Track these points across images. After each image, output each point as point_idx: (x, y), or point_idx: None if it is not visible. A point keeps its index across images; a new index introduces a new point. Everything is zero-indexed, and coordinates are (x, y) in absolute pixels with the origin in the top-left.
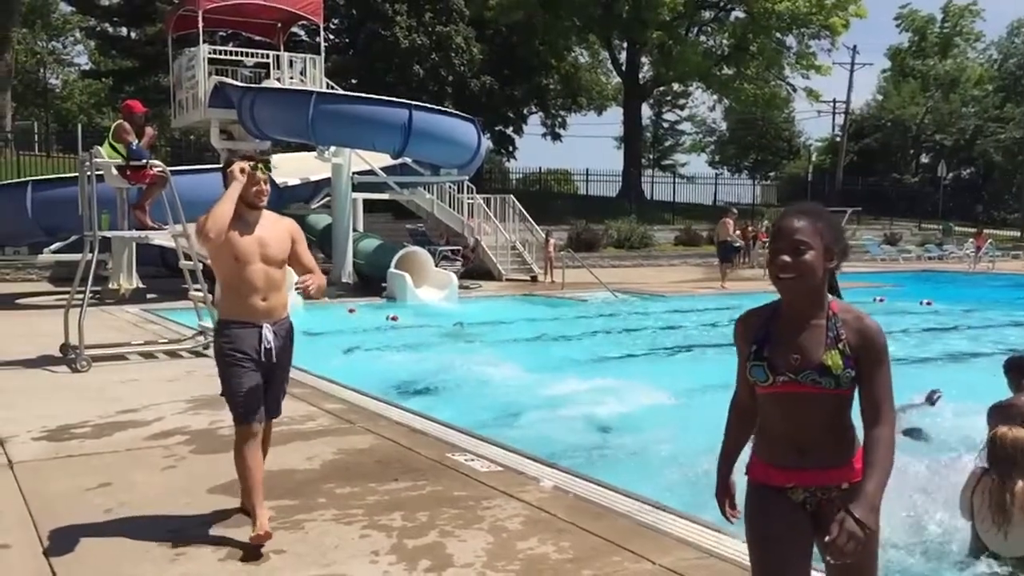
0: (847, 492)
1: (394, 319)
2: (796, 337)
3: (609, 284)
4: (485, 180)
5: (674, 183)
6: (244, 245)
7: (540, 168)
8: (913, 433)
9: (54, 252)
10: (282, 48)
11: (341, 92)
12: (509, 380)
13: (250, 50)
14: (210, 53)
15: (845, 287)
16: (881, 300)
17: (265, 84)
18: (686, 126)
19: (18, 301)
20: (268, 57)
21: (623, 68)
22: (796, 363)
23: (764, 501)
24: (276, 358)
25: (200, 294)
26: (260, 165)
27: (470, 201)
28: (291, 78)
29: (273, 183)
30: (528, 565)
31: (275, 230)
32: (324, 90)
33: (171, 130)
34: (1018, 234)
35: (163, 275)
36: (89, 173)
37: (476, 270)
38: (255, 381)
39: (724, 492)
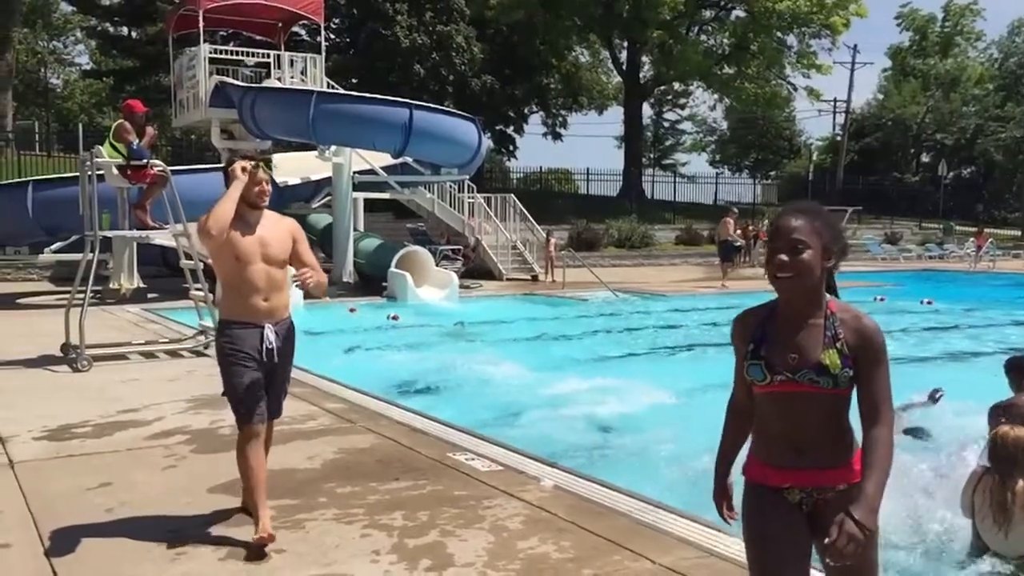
0: (843, 493)
1: (395, 318)
2: (794, 336)
3: (610, 283)
4: (486, 179)
5: (675, 182)
6: (245, 245)
7: (541, 167)
8: (915, 432)
9: (55, 252)
10: (283, 48)
11: (342, 92)
12: (510, 380)
13: (251, 50)
14: (211, 53)
15: (846, 286)
16: (882, 299)
17: (266, 84)
18: (687, 125)
19: (19, 301)
20: (269, 57)
21: (624, 67)
22: (794, 362)
23: (761, 501)
24: (277, 358)
25: (201, 293)
26: (262, 164)
27: (471, 200)
28: (292, 78)
29: (274, 183)
30: (529, 564)
31: (276, 230)
32: (325, 90)
33: (172, 130)
34: (1019, 233)
35: (164, 275)
36: (90, 173)
37: (477, 269)
38: (257, 381)
39: (722, 493)
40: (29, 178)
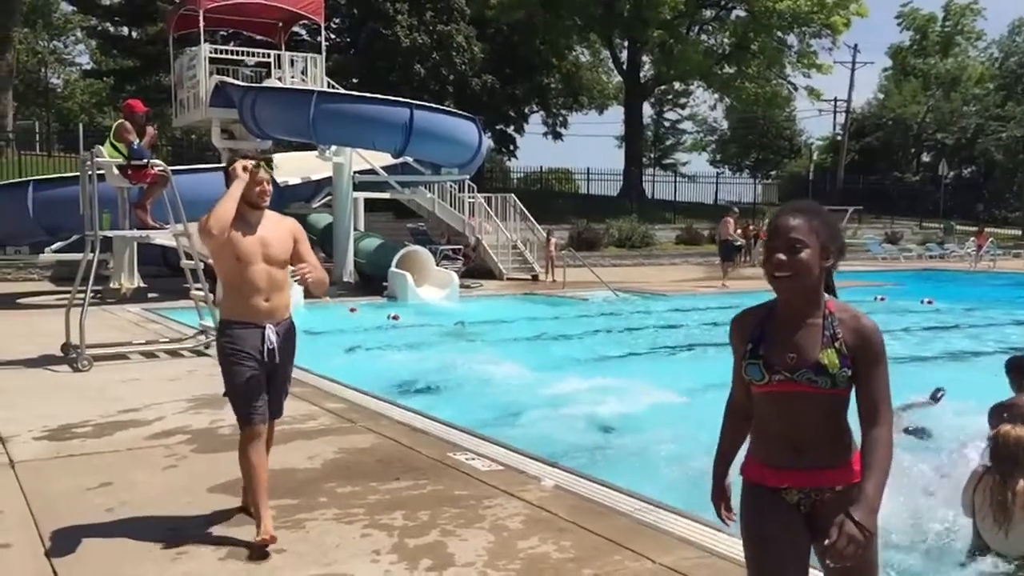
0: (842, 494)
1: (395, 318)
2: (792, 336)
3: (610, 283)
4: (486, 179)
5: (675, 182)
6: (246, 245)
7: (541, 167)
8: (916, 432)
9: (55, 252)
10: (283, 47)
11: (342, 91)
12: (510, 379)
13: (251, 49)
14: (211, 52)
15: (847, 285)
16: (882, 299)
17: (266, 83)
18: (687, 125)
19: (19, 301)
20: (269, 56)
21: (624, 67)
22: (792, 362)
23: (759, 501)
24: (278, 358)
25: (201, 293)
26: (263, 164)
27: (471, 200)
28: (292, 77)
29: (274, 182)
30: (529, 564)
31: (277, 230)
32: (325, 89)
33: (172, 129)
34: (1019, 233)
35: (164, 274)
36: (90, 172)
37: (477, 269)
38: (258, 381)
39: (720, 495)
40: (29, 178)
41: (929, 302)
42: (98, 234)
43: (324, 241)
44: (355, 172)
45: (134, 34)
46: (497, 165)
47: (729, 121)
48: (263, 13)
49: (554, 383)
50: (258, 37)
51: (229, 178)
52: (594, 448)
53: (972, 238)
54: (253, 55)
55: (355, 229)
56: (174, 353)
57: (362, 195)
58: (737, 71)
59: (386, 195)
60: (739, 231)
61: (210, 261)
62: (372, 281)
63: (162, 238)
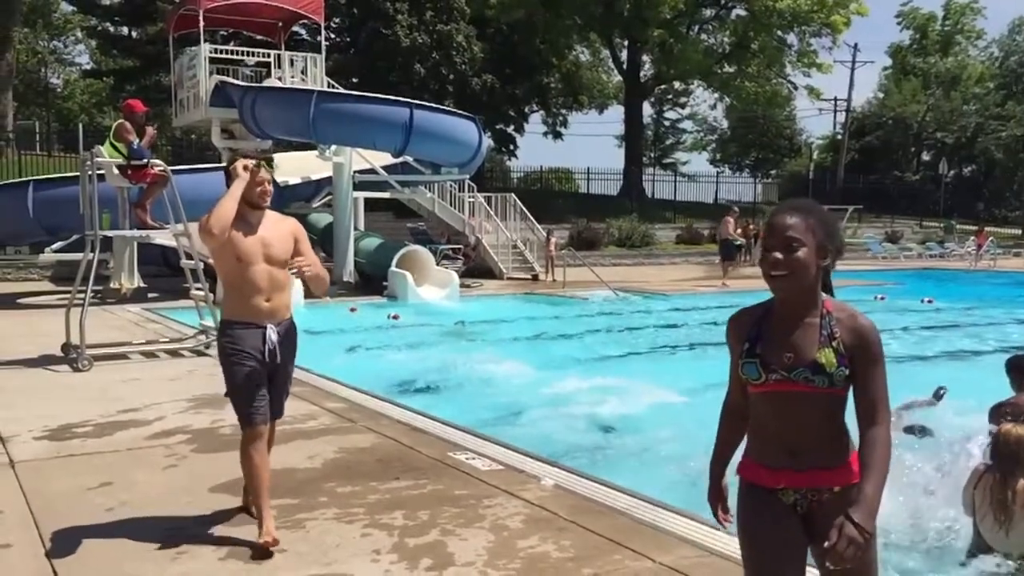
0: (839, 494)
1: (395, 318)
2: (789, 335)
3: (610, 283)
4: (486, 179)
5: (675, 181)
6: (247, 245)
7: (541, 167)
8: (916, 431)
9: (55, 251)
10: (283, 47)
11: (342, 91)
12: (510, 379)
13: (251, 49)
14: (211, 52)
15: (847, 284)
16: (882, 298)
17: (266, 83)
18: (687, 124)
19: (19, 301)
20: (269, 56)
21: (624, 66)
22: (789, 361)
23: (755, 501)
24: (279, 358)
25: (201, 293)
26: (264, 163)
27: (471, 200)
28: (292, 77)
29: (275, 182)
30: (529, 564)
31: (278, 230)
32: (325, 89)
33: (172, 129)
34: (1019, 232)
35: (164, 274)
36: (90, 172)
37: (477, 269)
38: (259, 381)
39: (716, 496)
40: (30, 178)
41: (929, 301)
42: (98, 234)
43: (324, 241)
44: (355, 172)
45: (134, 34)
46: (497, 165)
47: (729, 120)
48: (263, 13)
49: (554, 383)
50: (258, 37)
51: (230, 178)
52: (594, 448)
53: (972, 237)
54: (253, 55)
55: (355, 229)
56: (174, 353)
57: (362, 195)
58: (737, 70)
59: (386, 195)
60: (739, 230)
61: (210, 261)
62: (372, 281)
63: (162, 238)
